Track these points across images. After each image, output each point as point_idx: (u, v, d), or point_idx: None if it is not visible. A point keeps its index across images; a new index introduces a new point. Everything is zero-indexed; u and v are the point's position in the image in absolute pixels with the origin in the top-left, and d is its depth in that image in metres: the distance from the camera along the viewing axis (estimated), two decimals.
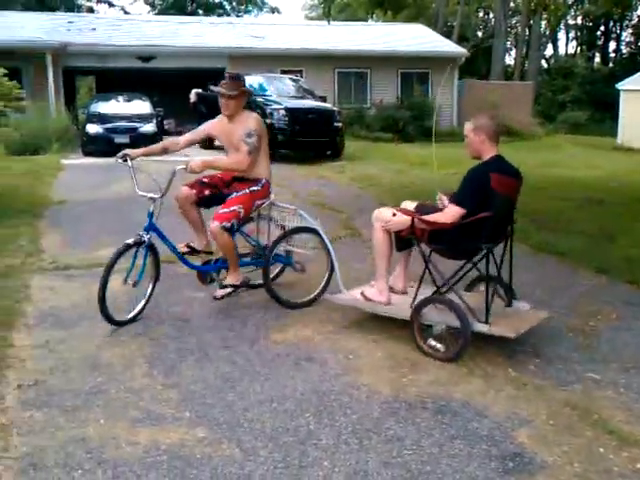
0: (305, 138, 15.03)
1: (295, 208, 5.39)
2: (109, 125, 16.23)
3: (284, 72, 19.94)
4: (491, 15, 46.11)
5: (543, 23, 38.80)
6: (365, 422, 3.45)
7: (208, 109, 17.63)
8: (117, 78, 21.37)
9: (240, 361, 4.19)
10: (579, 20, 47.78)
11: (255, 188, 5.13)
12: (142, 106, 17.44)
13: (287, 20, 43.48)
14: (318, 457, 3.13)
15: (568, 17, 45.79)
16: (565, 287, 5.83)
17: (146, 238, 4.79)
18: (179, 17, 30.77)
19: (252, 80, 16.86)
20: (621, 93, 25.18)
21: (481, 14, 49.24)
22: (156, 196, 4.84)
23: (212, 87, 5.12)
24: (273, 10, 48.11)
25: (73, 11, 35.80)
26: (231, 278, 5.10)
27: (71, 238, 7.46)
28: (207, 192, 5.20)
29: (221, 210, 4.97)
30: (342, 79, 23.21)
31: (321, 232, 5.21)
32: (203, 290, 5.39)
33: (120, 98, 17.99)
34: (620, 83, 25.49)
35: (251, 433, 3.33)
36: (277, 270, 5.67)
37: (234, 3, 46.87)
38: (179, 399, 3.68)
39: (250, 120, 5.09)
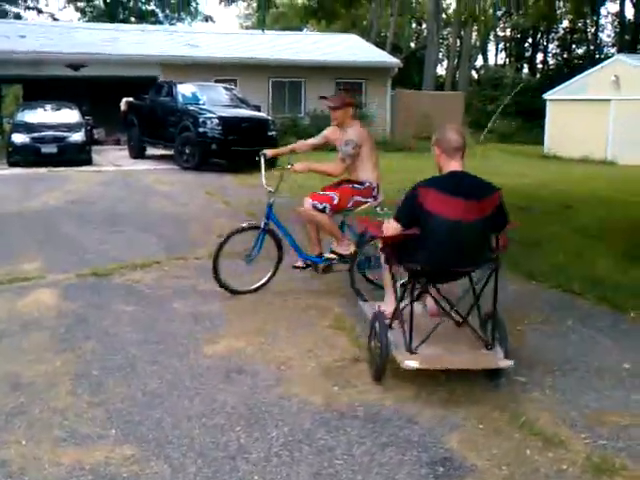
0: (239, 147, 14.95)
1: (390, 213, 5.38)
2: (36, 135, 15.72)
3: (218, 81, 19.81)
4: (424, 26, 46.98)
5: (474, 34, 39.87)
6: (296, 433, 3.42)
7: (139, 118, 17.43)
8: (46, 87, 20.78)
9: (169, 376, 4.11)
10: (508, 32, 49.23)
11: (357, 186, 5.65)
12: (70, 115, 16.97)
13: (221, 29, 43.32)
14: (248, 471, 3.09)
15: (497, 29, 47.14)
16: (493, 292, 5.92)
17: (262, 224, 5.64)
18: (111, 25, 30.23)
19: (185, 89, 16.73)
20: (547, 103, 26.03)
21: (414, 25, 50.14)
22: (273, 190, 5.67)
23: (321, 99, 6.12)
24: (207, 18, 47.72)
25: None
26: (337, 247, 5.72)
27: None
28: None
29: (318, 192, 5.68)
30: (276, 89, 23.19)
31: None
32: (132, 304, 5.27)
33: (48, 107, 17.43)
34: (547, 93, 26.35)
35: (180, 449, 3.26)
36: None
37: (167, 11, 46.31)
38: (105, 417, 3.58)
39: (351, 130, 5.61)
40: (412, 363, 3.88)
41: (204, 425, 3.50)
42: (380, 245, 4.55)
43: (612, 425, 3.57)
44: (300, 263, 5.86)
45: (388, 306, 4.56)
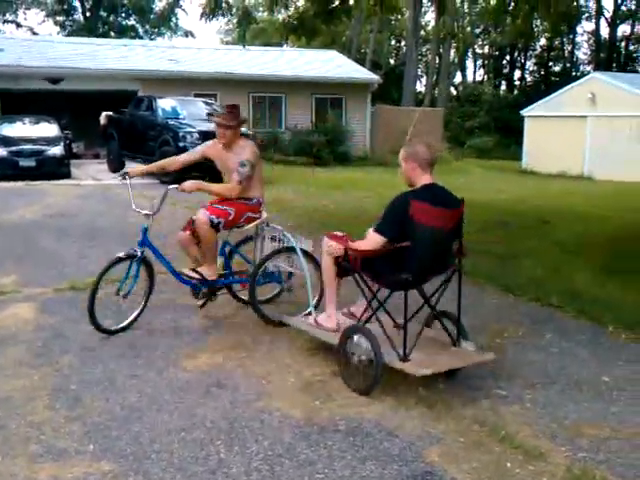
0: None
1: (282, 229, 5.52)
2: (14, 148, 15.60)
3: (198, 95, 19.80)
4: (403, 43, 47.42)
5: (452, 51, 40.30)
6: (277, 448, 3.40)
7: (118, 132, 17.36)
8: (25, 100, 20.67)
9: (148, 390, 4.07)
10: (486, 49, 49.86)
11: (248, 202, 5.41)
12: (49, 129, 16.88)
13: (202, 44, 43.32)
14: None
15: (476, 46, 47.76)
16: (472, 305, 5.94)
17: (139, 252, 5.04)
18: (90, 39, 30.16)
19: (165, 103, 16.70)
20: (525, 119, 26.37)
21: (393, 42, 50.59)
22: (150, 213, 5.15)
23: (211, 117, 5.72)
24: (187, 34, 47.86)
25: None
26: (205, 270, 5.31)
27: None
28: None
29: (215, 204, 5.31)
30: (257, 104, 23.24)
31: (299, 252, 5.26)
32: (109, 318, 5.21)
33: (26, 120, 17.34)
34: (524, 110, 26.69)
35: (159, 464, 3.22)
36: (275, 291, 5.82)
37: (147, 26, 46.36)
38: (83, 432, 3.53)
39: (245, 150, 5.33)
40: (427, 370, 3.94)
41: (183, 439, 3.47)
42: (326, 259, 4.51)
43: (592, 438, 3.59)
44: (201, 302, 5.51)
45: (329, 321, 4.60)
